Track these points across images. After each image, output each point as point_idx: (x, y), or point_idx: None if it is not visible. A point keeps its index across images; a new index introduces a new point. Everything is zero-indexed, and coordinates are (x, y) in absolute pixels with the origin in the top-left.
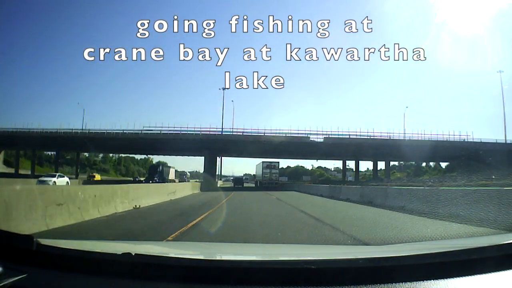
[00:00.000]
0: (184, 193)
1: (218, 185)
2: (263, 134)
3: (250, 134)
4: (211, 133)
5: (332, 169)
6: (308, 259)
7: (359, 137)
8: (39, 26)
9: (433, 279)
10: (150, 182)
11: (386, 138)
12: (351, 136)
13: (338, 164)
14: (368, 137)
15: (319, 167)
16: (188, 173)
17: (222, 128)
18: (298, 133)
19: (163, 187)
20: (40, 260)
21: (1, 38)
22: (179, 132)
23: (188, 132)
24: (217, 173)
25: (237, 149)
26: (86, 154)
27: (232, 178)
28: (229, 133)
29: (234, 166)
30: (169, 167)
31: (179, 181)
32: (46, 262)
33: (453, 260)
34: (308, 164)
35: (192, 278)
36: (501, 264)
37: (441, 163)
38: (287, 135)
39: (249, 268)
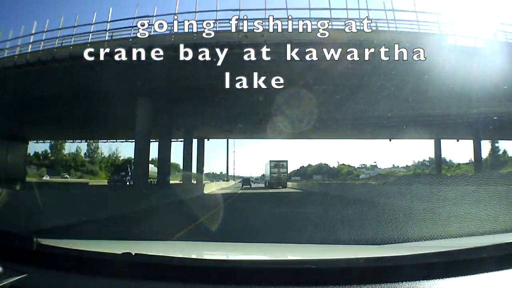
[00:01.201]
0: None
1: (208, 191)
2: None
3: (257, 31)
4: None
5: (357, 167)
6: (308, 259)
7: None
8: (39, 25)
9: (433, 279)
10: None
11: None
12: None
13: (365, 160)
14: None
15: (343, 165)
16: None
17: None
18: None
19: None
20: (40, 260)
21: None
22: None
23: (79, 42)
24: (211, 171)
25: (223, 92)
26: (71, 152)
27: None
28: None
29: (253, 166)
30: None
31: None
32: (46, 262)
33: (453, 260)
34: (331, 161)
35: (193, 278)
36: (501, 263)
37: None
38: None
39: (250, 268)
